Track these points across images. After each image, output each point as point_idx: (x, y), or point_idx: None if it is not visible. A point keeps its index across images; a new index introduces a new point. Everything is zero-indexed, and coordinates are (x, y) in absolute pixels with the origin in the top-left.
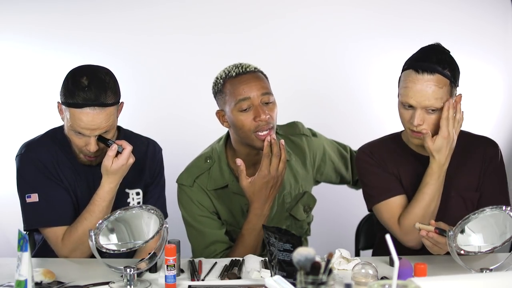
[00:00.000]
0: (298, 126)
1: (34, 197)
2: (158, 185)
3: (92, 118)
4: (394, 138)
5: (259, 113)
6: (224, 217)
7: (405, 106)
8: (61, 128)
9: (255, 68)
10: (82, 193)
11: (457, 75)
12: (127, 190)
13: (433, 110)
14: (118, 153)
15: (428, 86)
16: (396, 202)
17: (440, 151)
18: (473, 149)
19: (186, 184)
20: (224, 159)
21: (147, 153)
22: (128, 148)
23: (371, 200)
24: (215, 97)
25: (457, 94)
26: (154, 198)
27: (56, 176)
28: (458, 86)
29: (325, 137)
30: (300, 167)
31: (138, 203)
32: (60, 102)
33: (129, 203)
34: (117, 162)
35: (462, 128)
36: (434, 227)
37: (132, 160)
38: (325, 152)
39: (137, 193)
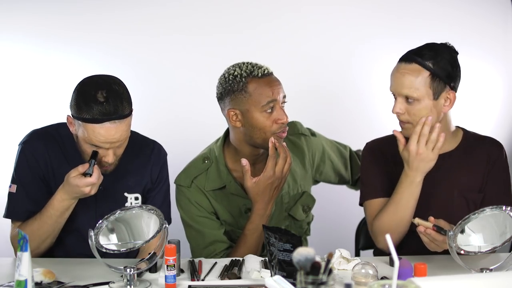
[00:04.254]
0: (297, 125)
1: (13, 188)
2: (161, 191)
3: (113, 132)
4: None
5: (282, 116)
6: (223, 217)
7: (394, 96)
8: (66, 125)
9: (272, 72)
10: None
11: (451, 74)
12: (126, 194)
13: (411, 100)
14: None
15: (403, 74)
16: (378, 203)
17: (407, 162)
18: (477, 150)
19: (184, 184)
20: (222, 160)
21: (151, 157)
22: (92, 180)
23: (362, 196)
24: (228, 95)
25: (450, 94)
26: (157, 205)
27: (43, 174)
28: (452, 88)
29: (324, 137)
30: (299, 167)
31: None
32: (72, 116)
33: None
34: (76, 179)
35: (462, 128)
36: (433, 224)
37: (87, 191)
38: (324, 151)
39: (136, 198)
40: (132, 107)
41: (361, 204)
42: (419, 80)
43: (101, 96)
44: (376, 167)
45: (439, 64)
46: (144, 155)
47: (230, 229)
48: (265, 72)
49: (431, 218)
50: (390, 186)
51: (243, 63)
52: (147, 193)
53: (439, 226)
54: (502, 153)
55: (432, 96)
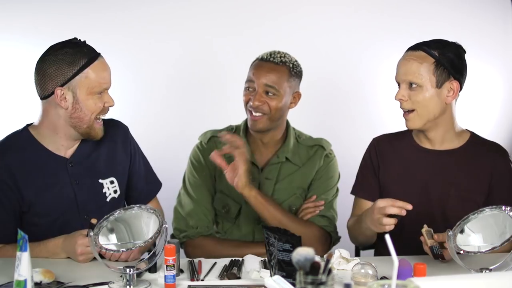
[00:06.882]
0: (323, 143)
1: None
2: (140, 162)
3: (107, 66)
4: (406, 133)
5: (251, 98)
6: (221, 185)
7: (398, 85)
8: (23, 130)
9: (281, 61)
10: (43, 192)
11: (456, 65)
12: (100, 181)
13: (415, 86)
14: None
15: (409, 61)
16: (362, 205)
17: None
18: (482, 154)
19: (202, 140)
20: (244, 131)
21: (117, 136)
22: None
23: (354, 187)
24: None
25: (453, 84)
26: (142, 177)
27: (11, 188)
28: (457, 79)
29: (334, 167)
30: (300, 179)
31: (115, 191)
32: (61, 86)
33: (105, 193)
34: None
35: (471, 131)
36: (430, 245)
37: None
38: (322, 177)
39: (111, 182)
40: None
41: (352, 193)
42: (423, 66)
43: (76, 40)
44: (371, 164)
45: (444, 54)
46: (108, 136)
47: (224, 201)
48: (266, 58)
49: (435, 236)
50: (377, 190)
51: (270, 51)
52: (130, 170)
53: (437, 247)
54: (507, 160)
55: (435, 83)
